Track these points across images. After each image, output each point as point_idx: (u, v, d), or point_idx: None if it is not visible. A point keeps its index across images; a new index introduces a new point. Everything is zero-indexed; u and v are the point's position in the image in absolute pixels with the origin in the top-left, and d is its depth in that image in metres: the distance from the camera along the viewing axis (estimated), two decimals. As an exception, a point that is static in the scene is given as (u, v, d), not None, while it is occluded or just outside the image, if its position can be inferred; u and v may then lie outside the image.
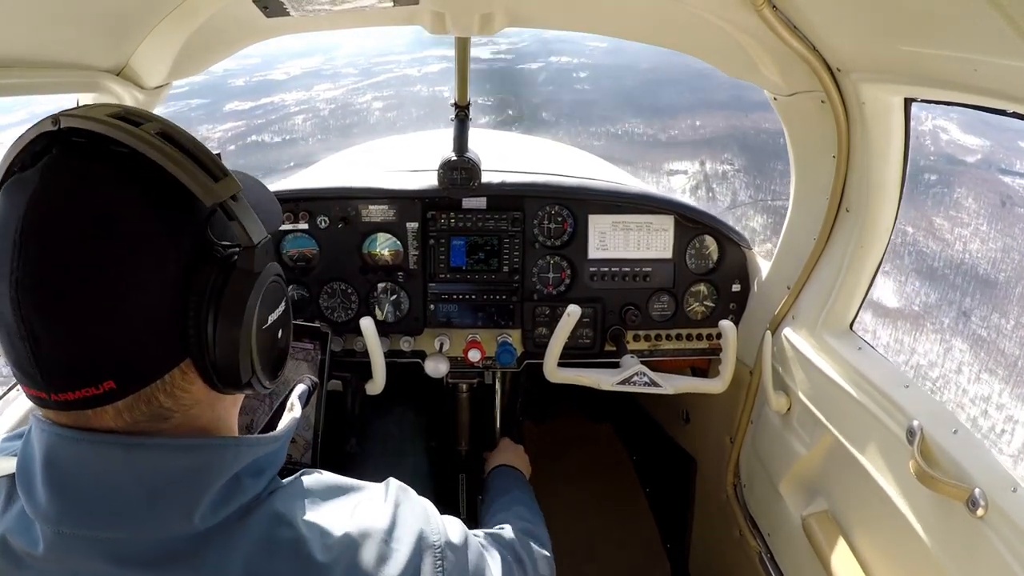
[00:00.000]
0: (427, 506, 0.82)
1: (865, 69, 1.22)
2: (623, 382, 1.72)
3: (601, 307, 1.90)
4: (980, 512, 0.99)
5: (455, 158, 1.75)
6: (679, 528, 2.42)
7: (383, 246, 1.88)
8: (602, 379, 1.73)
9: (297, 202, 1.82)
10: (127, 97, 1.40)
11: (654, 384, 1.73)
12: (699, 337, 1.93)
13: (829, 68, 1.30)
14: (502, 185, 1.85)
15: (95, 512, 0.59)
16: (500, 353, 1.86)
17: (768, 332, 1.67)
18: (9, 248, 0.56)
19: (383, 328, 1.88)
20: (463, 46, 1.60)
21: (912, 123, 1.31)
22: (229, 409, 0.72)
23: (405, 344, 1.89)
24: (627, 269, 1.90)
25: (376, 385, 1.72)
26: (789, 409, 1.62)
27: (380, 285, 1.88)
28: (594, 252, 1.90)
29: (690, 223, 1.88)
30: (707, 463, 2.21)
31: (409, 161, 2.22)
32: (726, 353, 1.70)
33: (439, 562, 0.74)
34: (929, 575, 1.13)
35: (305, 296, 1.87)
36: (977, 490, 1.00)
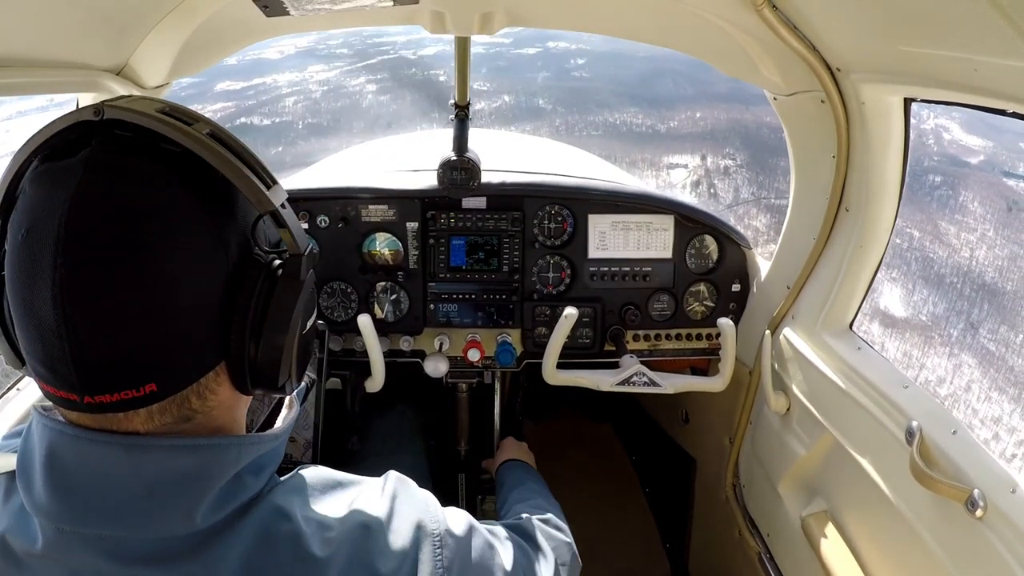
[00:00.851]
0: (426, 496, 0.82)
1: (865, 69, 1.22)
2: (623, 382, 1.72)
3: (601, 307, 1.90)
4: (979, 513, 0.99)
5: (455, 158, 1.75)
6: (679, 528, 2.42)
7: (383, 246, 1.88)
8: (601, 380, 1.73)
9: (297, 202, 1.82)
10: None
11: (653, 384, 1.73)
12: (699, 337, 1.93)
13: (829, 68, 1.30)
14: (502, 185, 1.85)
15: (95, 510, 0.59)
16: (500, 353, 1.86)
17: (768, 332, 1.67)
18: (51, 244, 0.54)
19: (383, 328, 1.88)
20: (463, 46, 1.60)
21: (912, 123, 1.31)
22: (243, 409, 0.73)
23: (405, 344, 1.90)
24: (627, 269, 1.90)
25: (375, 382, 1.72)
26: (788, 409, 1.62)
27: (380, 285, 1.88)
28: (594, 252, 1.90)
29: (690, 223, 1.88)
30: (707, 463, 2.21)
31: (409, 161, 2.23)
32: (725, 351, 1.70)
33: (438, 551, 0.74)
34: (928, 575, 1.13)
35: None
36: (976, 491, 1.00)
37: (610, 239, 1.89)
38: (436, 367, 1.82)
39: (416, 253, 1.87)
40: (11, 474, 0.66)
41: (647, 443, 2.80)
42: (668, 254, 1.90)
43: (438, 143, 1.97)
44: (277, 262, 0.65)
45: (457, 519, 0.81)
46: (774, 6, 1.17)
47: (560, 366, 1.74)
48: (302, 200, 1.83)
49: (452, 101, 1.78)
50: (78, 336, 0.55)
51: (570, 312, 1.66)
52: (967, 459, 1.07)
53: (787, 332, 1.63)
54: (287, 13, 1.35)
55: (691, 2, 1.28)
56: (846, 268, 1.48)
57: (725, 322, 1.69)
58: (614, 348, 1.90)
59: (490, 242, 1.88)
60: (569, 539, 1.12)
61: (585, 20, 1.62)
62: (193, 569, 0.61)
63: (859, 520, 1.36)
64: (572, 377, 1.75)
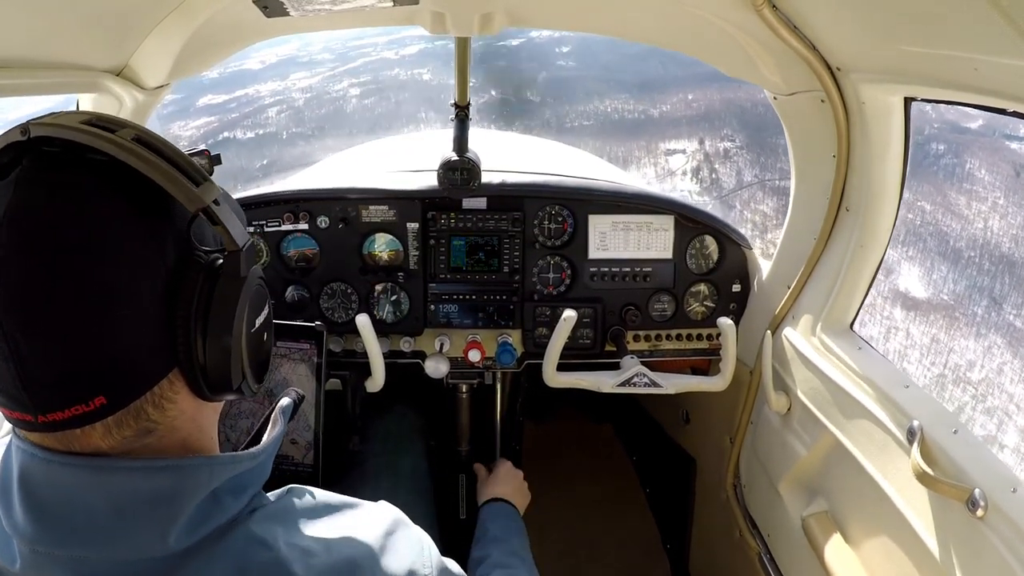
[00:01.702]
0: (423, 538, 0.79)
1: (865, 69, 1.22)
2: (623, 384, 1.72)
3: (601, 307, 1.90)
4: (980, 512, 0.99)
5: (455, 158, 1.75)
6: (679, 528, 2.42)
7: (383, 246, 1.88)
8: (602, 382, 1.73)
9: (297, 202, 1.82)
10: (127, 97, 1.40)
11: (654, 384, 1.73)
12: (699, 337, 1.93)
13: (829, 68, 1.30)
14: (502, 185, 1.85)
15: (68, 532, 0.58)
16: (500, 353, 1.86)
17: (768, 332, 1.67)
18: None
19: (383, 328, 1.88)
20: (463, 46, 1.60)
21: (912, 123, 1.31)
22: (210, 418, 0.71)
23: (405, 344, 1.89)
24: (627, 269, 1.90)
25: (375, 382, 1.72)
26: (789, 409, 1.62)
27: (380, 285, 1.88)
28: (594, 252, 1.90)
29: (690, 223, 1.88)
30: (707, 463, 2.21)
31: (409, 161, 2.22)
32: (726, 351, 1.70)
33: None
34: (929, 575, 1.13)
35: (305, 296, 1.87)
36: (977, 490, 1.00)
37: (610, 239, 1.89)
38: (437, 368, 1.82)
39: (416, 254, 1.87)
40: None
41: (647, 443, 2.80)
42: (668, 254, 1.90)
43: (438, 143, 1.97)
44: (219, 261, 0.63)
45: (453, 570, 0.80)
46: (774, 6, 1.17)
47: (561, 368, 1.74)
48: (302, 200, 1.83)
49: (452, 101, 1.78)
50: (21, 356, 0.54)
51: (569, 315, 1.66)
52: (968, 459, 1.07)
53: (788, 332, 1.63)
54: (287, 13, 1.35)
55: (691, 2, 1.28)
56: (846, 268, 1.48)
57: (725, 321, 1.69)
58: (614, 348, 1.90)
59: (490, 242, 1.88)
60: None
61: (585, 20, 1.62)
62: None
63: (860, 520, 1.36)
64: (573, 380, 1.75)
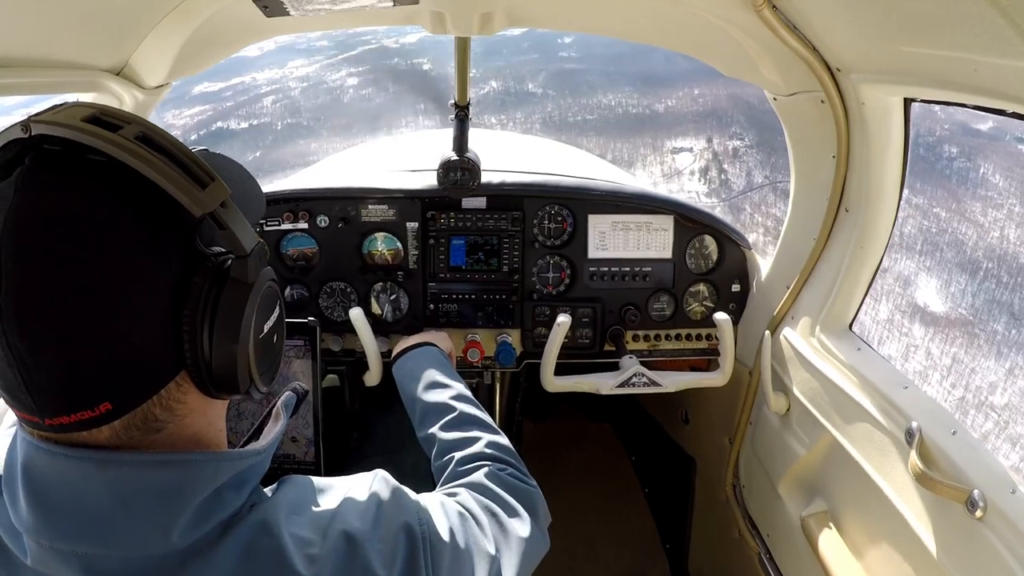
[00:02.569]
0: (410, 497, 0.80)
1: (865, 69, 1.22)
2: (623, 384, 1.72)
3: (601, 307, 1.90)
4: (979, 513, 0.99)
5: (455, 158, 1.75)
6: (678, 528, 2.42)
7: (383, 246, 1.88)
8: (602, 383, 1.73)
9: (297, 202, 1.82)
10: (127, 97, 1.40)
11: (654, 383, 1.73)
12: (699, 337, 1.93)
13: (829, 68, 1.30)
14: (502, 185, 1.85)
15: (71, 526, 0.58)
16: (500, 353, 1.86)
17: (767, 332, 1.67)
18: None
19: (383, 327, 1.88)
20: (463, 46, 1.60)
21: (912, 123, 1.31)
22: (219, 412, 0.71)
23: None
24: (627, 269, 1.90)
25: (373, 376, 1.72)
26: (788, 410, 1.62)
27: (379, 285, 1.88)
28: (594, 252, 1.90)
29: (690, 223, 1.88)
30: (706, 463, 2.21)
31: (409, 161, 2.22)
32: (724, 345, 1.70)
33: (426, 554, 0.73)
34: None
35: (305, 295, 1.87)
36: (976, 491, 1.00)
37: (610, 239, 1.89)
38: None
39: (416, 253, 1.87)
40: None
41: (647, 443, 2.80)
42: (668, 254, 1.90)
43: (438, 143, 1.97)
44: (227, 265, 0.62)
45: (439, 517, 0.80)
46: (774, 6, 1.17)
47: (560, 368, 1.74)
48: (302, 200, 1.83)
49: (452, 101, 1.78)
50: (25, 363, 0.54)
51: (562, 320, 1.68)
52: (967, 459, 1.07)
53: (787, 332, 1.63)
54: (287, 13, 1.35)
55: (691, 2, 1.28)
56: (846, 268, 1.48)
57: (721, 316, 1.69)
58: (614, 348, 1.91)
59: (490, 242, 1.88)
60: (533, 485, 1.04)
61: (585, 20, 1.62)
62: None
63: (859, 520, 1.36)
64: (572, 383, 1.75)
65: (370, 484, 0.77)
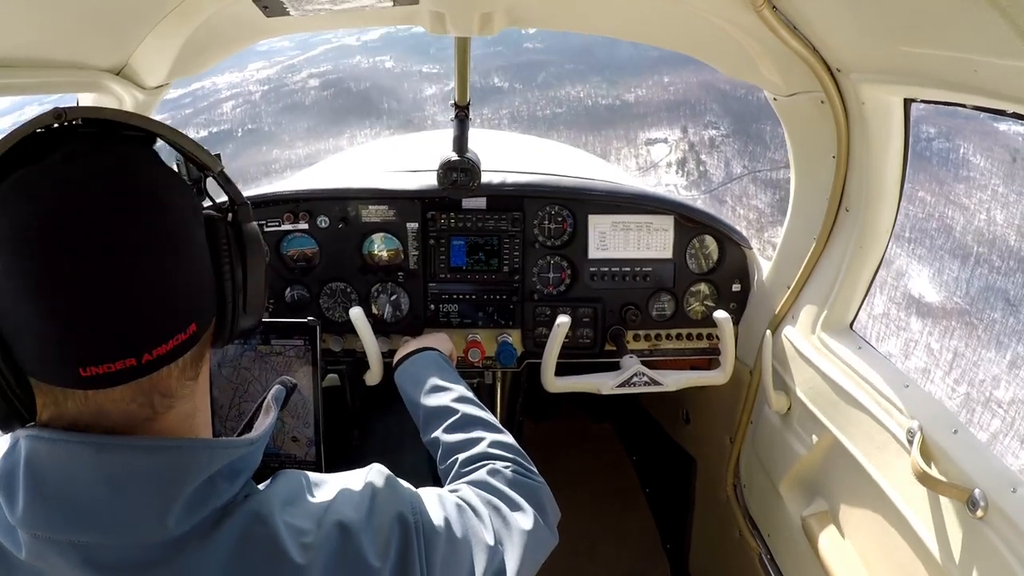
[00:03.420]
0: (405, 489, 0.81)
1: (865, 69, 1.22)
2: (623, 384, 1.72)
3: (601, 307, 1.90)
4: (980, 513, 0.99)
5: (455, 158, 1.75)
6: (679, 528, 2.43)
7: (383, 246, 1.88)
8: (602, 383, 1.73)
9: (297, 202, 1.82)
10: (127, 97, 1.40)
11: (654, 383, 1.73)
12: (699, 337, 1.93)
13: (829, 68, 1.30)
14: (502, 185, 1.85)
15: (67, 515, 0.59)
16: (500, 353, 1.86)
17: (768, 332, 1.67)
18: (37, 243, 0.55)
19: (383, 328, 1.88)
20: (463, 46, 1.60)
21: (912, 123, 1.31)
22: (207, 400, 0.73)
23: None
24: (627, 269, 1.90)
25: (373, 375, 1.72)
26: (789, 409, 1.62)
27: (380, 285, 1.88)
28: (594, 252, 1.90)
29: (690, 223, 1.88)
30: (707, 463, 2.21)
31: (409, 161, 2.22)
32: (724, 343, 1.70)
33: (420, 545, 0.74)
34: (929, 575, 1.13)
35: (305, 296, 1.87)
36: (977, 490, 1.00)
37: (610, 239, 1.89)
38: None
39: (416, 253, 1.87)
40: None
41: (647, 443, 2.80)
42: (668, 254, 1.90)
43: (438, 143, 1.97)
44: (230, 214, 0.73)
45: (434, 507, 0.81)
46: (774, 6, 1.17)
47: (560, 368, 1.74)
48: (302, 200, 1.83)
49: (452, 101, 1.78)
50: (73, 315, 0.57)
51: (562, 321, 1.68)
52: (968, 459, 1.07)
53: (787, 332, 1.63)
54: (287, 13, 1.35)
55: (691, 2, 1.28)
56: (846, 268, 1.49)
57: (721, 314, 1.70)
58: (614, 348, 1.91)
59: (490, 242, 1.88)
60: (539, 481, 1.05)
61: (585, 20, 1.62)
62: None
63: (860, 520, 1.36)
64: (572, 384, 1.75)
65: (365, 476, 0.79)
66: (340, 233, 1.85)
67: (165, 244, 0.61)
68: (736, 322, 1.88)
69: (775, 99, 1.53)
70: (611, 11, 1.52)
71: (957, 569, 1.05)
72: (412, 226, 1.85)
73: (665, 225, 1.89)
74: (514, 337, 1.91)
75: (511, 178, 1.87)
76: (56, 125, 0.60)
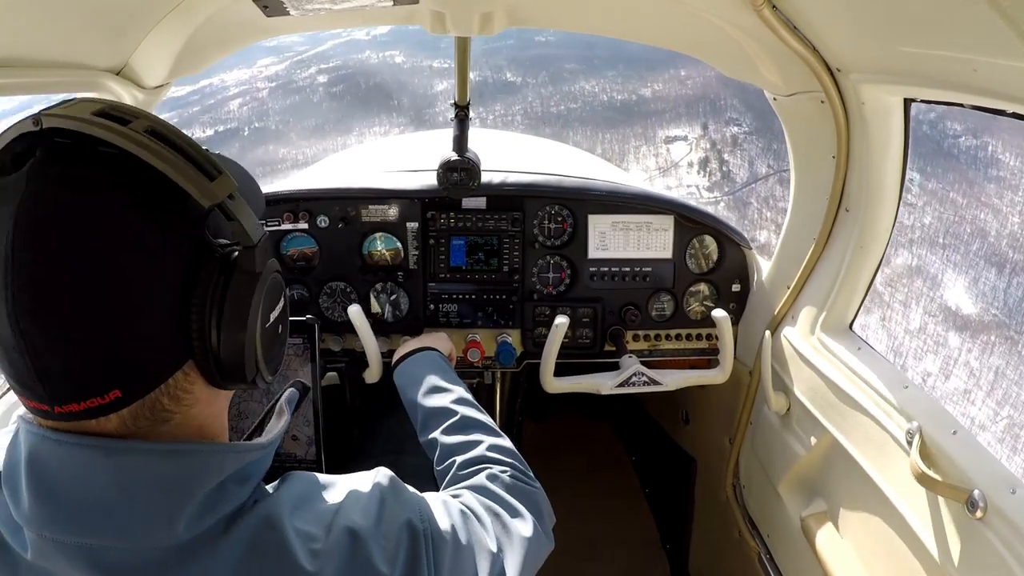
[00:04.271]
0: (413, 495, 0.81)
1: (865, 69, 1.22)
2: (622, 384, 1.72)
3: (601, 307, 1.90)
4: (979, 513, 0.99)
5: (455, 158, 1.75)
6: (679, 528, 2.42)
7: (383, 246, 1.88)
8: (601, 384, 1.73)
9: (297, 202, 1.82)
10: (127, 97, 1.40)
11: (653, 382, 1.73)
12: (699, 337, 1.93)
13: (829, 68, 1.30)
14: (502, 185, 1.85)
15: (76, 517, 0.58)
16: (500, 353, 1.86)
17: (768, 332, 1.67)
18: (2, 262, 0.54)
19: (383, 328, 1.88)
20: (463, 46, 1.60)
21: (912, 123, 1.31)
22: (223, 405, 0.72)
23: None
24: (627, 269, 1.90)
25: (372, 373, 1.72)
26: (788, 410, 1.62)
27: (380, 285, 1.88)
28: (594, 252, 1.90)
29: (690, 223, 1.88)
30: (707, 463, 2.21)
31: (409, 161, 2.22)
32: (723, 342, 1.70)
33: (428, 551, 0.73)
34: None
35: (305, 296, 1.87)
36: (976, 491, 1.00)
37: (610, 239, 1.89)
38: None
39: (416, 253, 1.87)
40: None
41: (647, 443, 2.80)
42: (668, 254, 1.90)
43: (438, 143, 1.97)
44: (234, 255, 0.63)
45: (441, 514, 0.80)
46: (774, 6, 1.17)
47: (560, 368, 1.74)
48: (302, 200, 1.83)
49: (452, 101, 1.78)
50: (37, 350, 0.55)
51: (560, 321, 1.68)
52: (967, 459, 1.07)
53: (787, 332, 1.63)
54: (287, 13, 1.35)
55: (691, 2, 1.28)
56: (846, 268, 1.49)
57: (720, 313, 1.70)
58: (614, 348, 1.91)
59: (490, 242, 1.88)
60: (536, 486, 1.04)
61: (585, 20, 1.62)
62: None
63: (859, 520, 1.36)
64: (572, 384, 1.75)
65: (372, 481, 0.78)
66: (340, 233, 1.85)
67: (92, 297, 0.55)
68: (736, 322, 1.88)
69: (775, 99, 1.53)
70: (611, 11, 1.52)
71: (956, 570, 1.05)
72: (412, 226, 1.85)
73: (665, 225, 1.89)
74: (514, 337, 1.91)
75: (511, 178, 1.87)
76: (37, 129, 0.57)
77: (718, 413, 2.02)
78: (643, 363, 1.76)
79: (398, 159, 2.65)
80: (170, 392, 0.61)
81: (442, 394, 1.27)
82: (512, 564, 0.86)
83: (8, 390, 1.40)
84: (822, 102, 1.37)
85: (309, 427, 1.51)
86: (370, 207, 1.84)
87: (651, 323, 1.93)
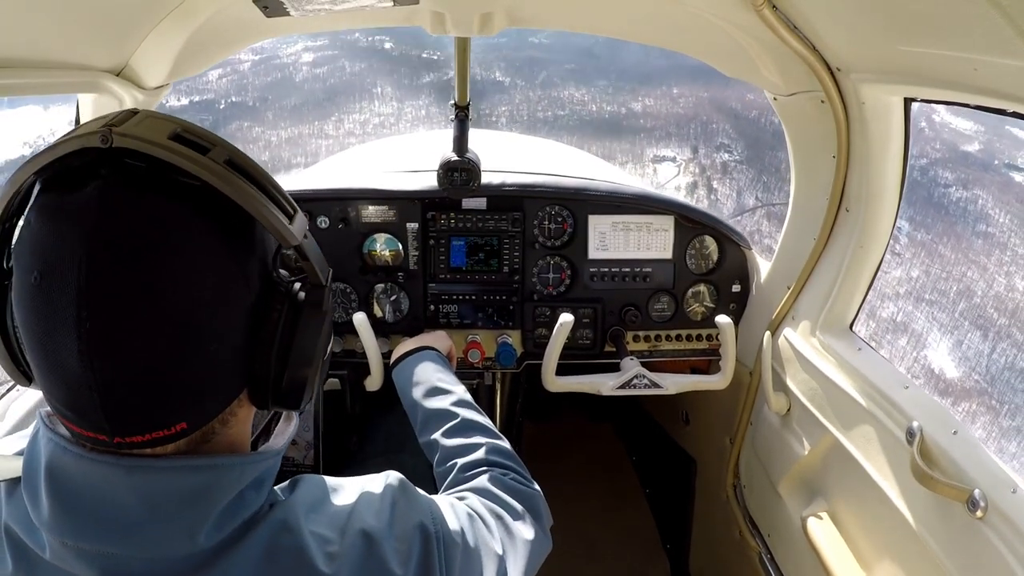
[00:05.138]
0: (424, 498, 0.82)
1: (865, 69, 1.22)
2: (623, 386, 1.72)
3: (601, 308, 1.90)
4: (979, 513, 0.99)
5: (455, 159, 1.75)
6: (679, 528, 2.42)
7: (383, 246, 1.88)
8: (602, 384, 1.73)
9: (297, 202, 1.82)
10: (127, 97, 1.40)
11: (655, 385, 1.73)
12: (699, 338, 1.93)
13: (829, 68, 1.30)
14: (502, 186, 1.85)
15: (96, 527, 0.58)
16: (500, 354, 1.86)
17: (768, 333, 1.67)
18: (73, 294, 0.52)
19: (383, 328, 1.88)
20: (463, 46, 1.60)
21: (912, 123, 1.31)
22: (252, 419, 0.73)
23: None
24: (627, 269, 1.90)
25: (374, 381, 1.72)
26: (789, 410, 1.62)
27: (380, 286, 1.88)
28: (594, 252, 1.90)
29: (690, 223, 1.88)
30: (707, 463, 2.21)
31: (409, 162, 2.23)
32: (725, 349, 1.70)
33: (441, 553, 0.74)
34: None
35: None
36: (977, 491, 1.00)
37: (610, 240, 1.89)
38: None
39: (416, 254, 1.87)
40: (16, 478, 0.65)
41: (647, 443, 2.80)
42: (668, 255, 1.90)
43: (438, 144, 1.97)
44: (301, 293, 0.66)
45: (450, 517, 0.81)
46: (774, 6, 1.17)
47: (560, 370, 1.74)
48: (302, 200, 1.83)
49: (452, 101, 1.78)
50: (109, 386, 0.54)
51: (565, 319, 1.67)
52: (968, 459, 1.07)
53: (787, 332, 1.63)
54: (287, 13, 1.35)
55: (691, 2, 1.28)
56: (846, 268, 1.48)
57: (724, 320, 1.69)
58: (614, 349, 1.90)
59: (490, 243, 1.88)
60: (536, 488, 1.05)
61: (585, 20, 1.62)
62: None
63: (859, 520, 1.36)
64: (572, 384, 1.75)
65: (383, 483, 0.79)
66: (340, 233, 1.84)
67: (167, 332, 0.55)
68: (736, 323, 1.88)
69: (775, 99, 1.53)
70: (611, 11, 1.52)
71: (956, 570, 1.05)
72: (412, 226, 1.85)
73: (665, 225, 1.89)
74: (514, 338, 1.91)
75: (511, 178, 1.87)
76: (105, 147, 0.55)
77: (718, 413, 2.02)
78: (643, 364, 1.76)
79: (398, 159, 2.65)
80: (223, 418, 0.63)
81: (442, 396, 1.27)
82: (515, 566, 0.88)
83: (8, 390, 1.40)
84: (822, 102, 1.37)
85: (308, 432, 1.52)
86: (370, 207, 1.84)
87: (651, 324, 1.93)
